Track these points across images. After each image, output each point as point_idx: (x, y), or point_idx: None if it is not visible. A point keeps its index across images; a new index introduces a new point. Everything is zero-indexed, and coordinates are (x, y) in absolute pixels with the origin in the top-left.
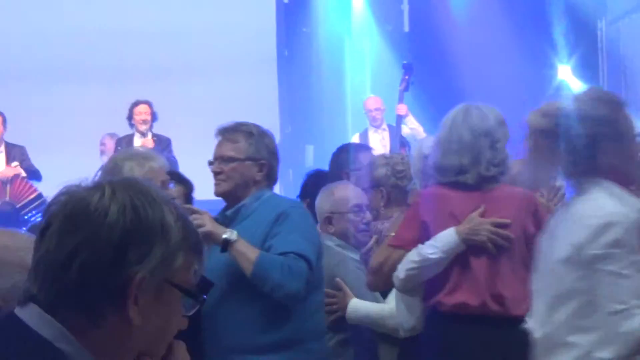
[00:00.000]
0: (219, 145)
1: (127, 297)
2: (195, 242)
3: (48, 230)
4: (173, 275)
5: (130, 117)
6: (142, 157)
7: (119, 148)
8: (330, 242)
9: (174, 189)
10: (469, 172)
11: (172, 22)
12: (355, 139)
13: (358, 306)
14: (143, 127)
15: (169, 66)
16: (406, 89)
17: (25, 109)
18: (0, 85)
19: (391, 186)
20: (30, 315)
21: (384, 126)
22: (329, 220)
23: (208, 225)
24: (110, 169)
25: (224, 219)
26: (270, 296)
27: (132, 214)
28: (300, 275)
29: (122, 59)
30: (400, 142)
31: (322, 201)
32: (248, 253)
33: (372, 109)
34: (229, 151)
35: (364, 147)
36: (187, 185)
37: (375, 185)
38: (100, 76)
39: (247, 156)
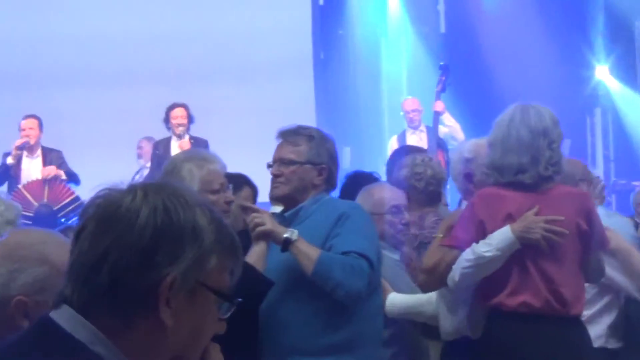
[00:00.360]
0: (279, 147)
1: (158, 299)
2: (230, 244)
3: (82, 233)
4: (206, 277)
5: (167, 120)
6: (201, 159)
7: (157, 152)
8: None
9: (242, 191)
10: (527, 171)
11: (209, 26)
12: (393, 141)
13: (395, 299)
14: (179, 130)
15: (206, 69)
16: (443, 90)
17: (62, 112)
18: (37, 89)
19: (408, 187)
20: (65, 317)
21: (422, 127)
22: None
23: (268, 224)
24: (170, 171)
25: (282, 220)
26: (330, 296)
27: (163, 215)
28: (361, 274)
29: (159, 62)
30: (437, 143)
31: (361, 202)
32: (309, 252)
33: (409, 110)
34: (289, 154)
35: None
36: (253, 188)
37: (395, 185)
38: (138, 79)
39: (308, 160)
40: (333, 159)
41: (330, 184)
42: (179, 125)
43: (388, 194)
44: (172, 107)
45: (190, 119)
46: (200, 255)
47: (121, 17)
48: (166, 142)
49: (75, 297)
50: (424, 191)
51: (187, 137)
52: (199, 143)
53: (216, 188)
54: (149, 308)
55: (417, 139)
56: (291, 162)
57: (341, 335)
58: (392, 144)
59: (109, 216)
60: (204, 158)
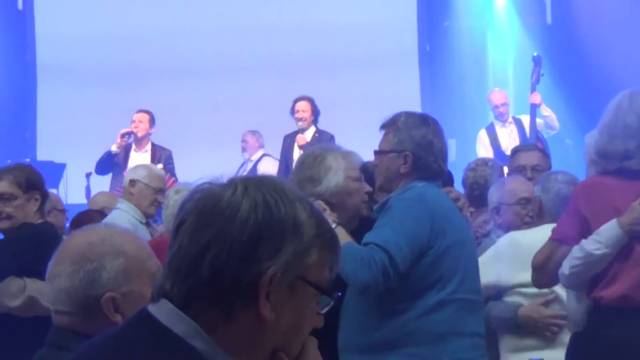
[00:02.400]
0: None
1: (258, 293)
2: (330, 239)
3: (182, 227)
4: (306, 271)
5: (292, 112)
6: (343, 149)
7: (284, 144)
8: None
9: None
10: (634, 157)
11: (317, 19)
12: (482, 134)
13: None
14: (301, 124)
15: (315, 63)
16: (537, 81)
17: (168, 106)
18: (141, 84)
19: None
20: (163, 311)
21: (510, 119)
22: (497, 211)
23: None
24: (311, 163)
25: (376, 214)
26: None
27: (263, 210)
28: (373, 266)
29: (269, 55)
30: (536, 135)
31: (493, 192)
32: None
33: (499, 104)
34: (380, 145)
35: None
36: None
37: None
38: (244, 72)
39: (391, 148)
40: (419, 145)
41: (421, 171)
42: (301, 119)
43: (519, 186)
44: (297, 100)
45: (316, 112)
46: (301, 249)
47: (229, 10)
48: (293, 135)
49: (176, 291)
50: (468, 195)
51: (312, 130)
52: (323, 136)
53: (359, 176)
54: (249, 302)
55: (508, 131)
56: (379, 153)
57: (379, 333)
58: (482, 138)
59: (209, 210)
60: (344, 151)
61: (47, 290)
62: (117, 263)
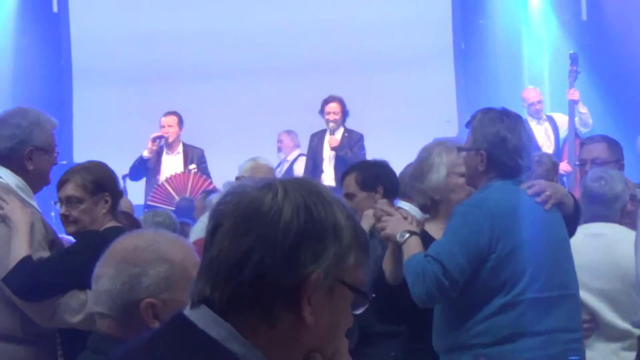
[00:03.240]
0: None
1: (301, 297)
2: (364, 241)
3: (219, 230)
4: (345, 274)
5: (322, 112)
6: (450, 144)
7: (312, 144)
8: None
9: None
10: None
11: (351, 18)
12: None
13: None
14: (332, 125)
15: (347, 62)
16: (575, 79)
17: (201, 107)
18: (175, 85)
19: None
20: (199, 315)
21: (544, 117)
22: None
23: (388, 227)
24: (425, 157)
25: None
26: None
27: (305, 214)
28: (427, 279)
29: (300, 55)
30: (574, 131)
31: None
32: (406, 255)
33: (535, 102)
34: (465, 143)
35: None
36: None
37: None
38: (276, 72)
39: (469, 147)
40: (493, 143)
41: (498, 168)
42: (332, 120)
43: None
44: (327, 100)
45: (345, 112)
46: (341, 252)
47: (260, 11)
48: (321, 134)
49: (217, 296)
50: None
51: (341, 130)
52: (352, 136)
53: (464, 172)
54: (291, 305)
55: (542, 129)
56: (461, 150)
57: (454, 336)
58: None
59: (250, 214)
60: (451, 144)
61: (91, 291)
62: (160, 270)
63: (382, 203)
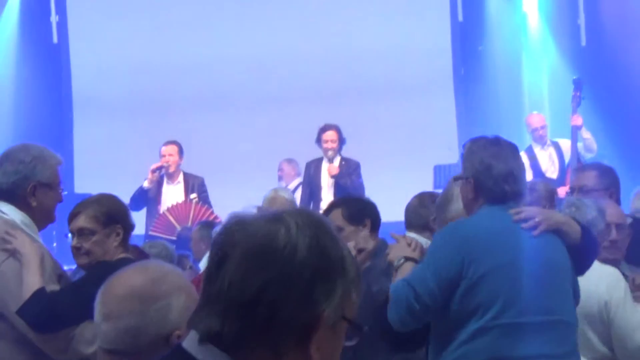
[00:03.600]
0: None
1: (312, 335)
2: (360, 274)
3: (227, 262)
4: (345, 309)
5: (318, 141)
6: None
7: (309, 172)
8: None
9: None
10: None
11: (349, 46)
12: (522, 157)
13: None
14: (330, 154)
15: (347, 89)
16: (578, 104)
17: (201, 136)
18: (175, 115)
19: None
20: (208, 353)
21: (549, 142)
22: None
23: (391, 253)
24: (448, 189)
25: None
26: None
27: (318, 251)
28: (399, 304)
29: (301, 83)
30: (577, 157)
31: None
32: (393, 280)
33: (539, 127)
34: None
35: None
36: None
37: None
38: (276, 101)
39: (460, 176)
40: (479, 171)
41: (486, 196)
42: (330, 149)
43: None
44: (324, 129)
45: (342, 140)
46: (348, 289)
47: (255, 40)
48: (317, 162)
49: (226, 331)
50: None
51: (338, 158)
52: (350, 164)
53: None
54: (300, 341)
55: (547, 154)
56: (456, 179)
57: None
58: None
59: (264, 250)
60: None
61: (103, 330)
62: (181, 300)
63: (365, 237)
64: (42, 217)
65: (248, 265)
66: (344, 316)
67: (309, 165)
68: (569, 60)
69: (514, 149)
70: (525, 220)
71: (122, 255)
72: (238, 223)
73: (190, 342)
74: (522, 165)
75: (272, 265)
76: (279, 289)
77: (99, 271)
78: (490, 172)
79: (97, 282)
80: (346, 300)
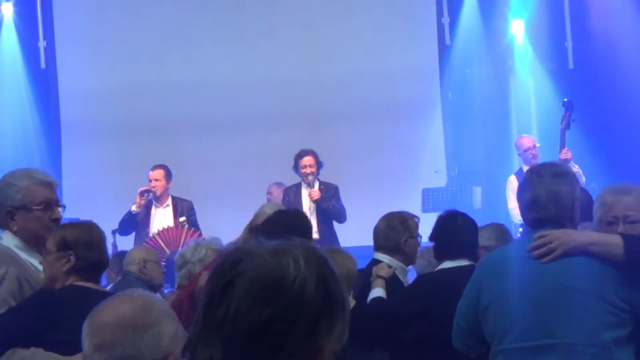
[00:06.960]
0: None
1: None
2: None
3: (232, 290)
4: (337, 344)
5: (296, 167)
6: None
7: (287, 198)
8: None
9: None
10: None
11: (338, 69)
12: (512, 179)
13: None
14: (309, 179)
15: (336, 113)
16: (567, 127)
17: (190, 160)
18: (163, 138)
19: None
20: None
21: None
22: None
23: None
24: None
25: None
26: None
27: (323, 288)
28: (454, 329)
29: (289, 107)
30: None
31: None
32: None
33: (531, 147)
34: None
35: None
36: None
37: None
38: (264, 124)
39: None
40: (519, 200)
41: (526, 223)
42: (309, 174)
43: None
44: (301, 154)
45: (320, 164)
46: (345, 325)
47: (243, 64)
48: (296, 188)
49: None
50: None
51: (317, 183)
52: (329, 189)
53: None
54: None
55: None
56: None
57: None
58: (512, 183)
59: (274, 282)
60: None
61: None
62: (170, 325)
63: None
64: (30, 239)
65: (256, 295)
66: (335, 351)
67: (287, 191)
68: (557, 83)
69: (545, 175)
70: (539, 247)
71: (72, 281)
72: (243, 252)
73: None
74: (562, 188)
75: (282, 298)
76: (286, 322)
77: (37, 298)
78: (522, 201)
79: (33, 309)
80: (343, 336)
